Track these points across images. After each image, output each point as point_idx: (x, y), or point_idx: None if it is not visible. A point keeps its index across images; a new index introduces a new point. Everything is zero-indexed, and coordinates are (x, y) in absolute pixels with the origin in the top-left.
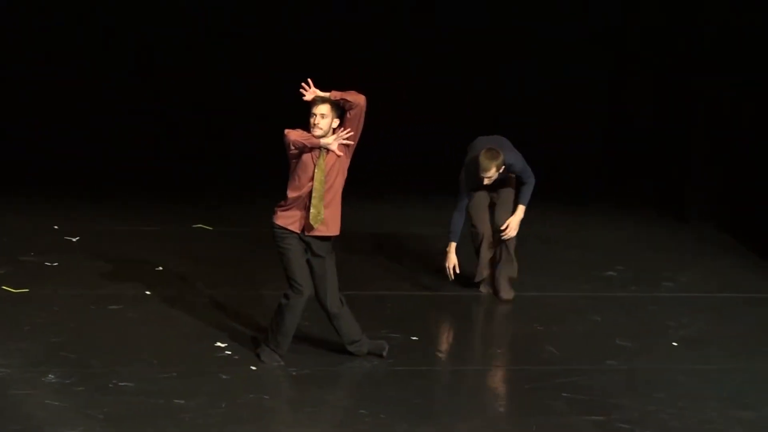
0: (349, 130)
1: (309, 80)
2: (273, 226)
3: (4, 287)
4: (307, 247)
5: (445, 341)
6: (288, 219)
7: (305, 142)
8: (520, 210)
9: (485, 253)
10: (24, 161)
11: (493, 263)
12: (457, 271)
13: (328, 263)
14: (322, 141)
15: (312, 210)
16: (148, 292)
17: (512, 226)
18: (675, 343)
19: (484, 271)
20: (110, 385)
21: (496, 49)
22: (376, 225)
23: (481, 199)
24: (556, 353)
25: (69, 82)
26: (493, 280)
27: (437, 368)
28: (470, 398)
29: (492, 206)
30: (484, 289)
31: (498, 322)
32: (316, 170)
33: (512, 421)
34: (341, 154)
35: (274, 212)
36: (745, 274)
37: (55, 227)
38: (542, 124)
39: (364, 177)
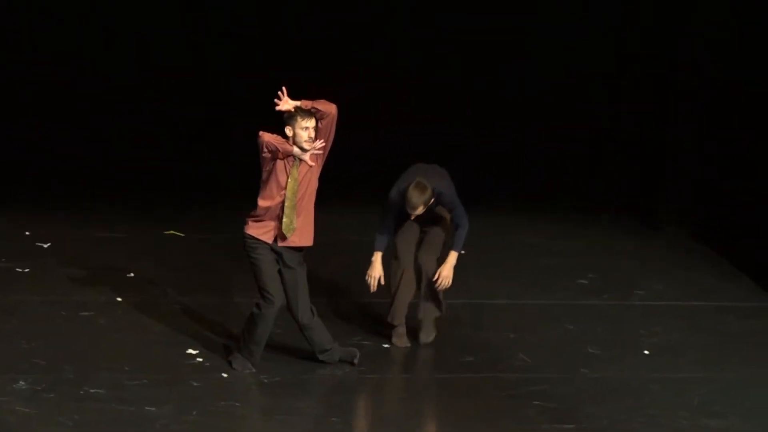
0: (321, 140)
1: (284, 88)
2: (244, 236)
3: None
4: (279, 257)
5: (417, 348)
6: (260, 229)
7: (279, 147)
8: (452, 257)
9: (404, 292)
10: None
11: (412, 301)
12: (382, 282)
13: (299, 274)
14: (295, 150)
15: (285, 219)
16: (119, 299)
17: (444, 275)
18: (647, 352)
19: (400, 314)
20: (81, 392)
21: (496, 49)
22: (359, 231)
23: (411, 231)
24: (528, 361)
25: (69, 82)
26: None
27: (409, 376)
28: (442, 406)
29: (420, 243)
30: (397, 340)
31: (470, 329)
32: (289, 180)
33: (483, 429)
34: (313, 164)
35: (245, 222)
36: (718, 283)
37: (27, 233)
38: (542, 124)
39: (355, 181)
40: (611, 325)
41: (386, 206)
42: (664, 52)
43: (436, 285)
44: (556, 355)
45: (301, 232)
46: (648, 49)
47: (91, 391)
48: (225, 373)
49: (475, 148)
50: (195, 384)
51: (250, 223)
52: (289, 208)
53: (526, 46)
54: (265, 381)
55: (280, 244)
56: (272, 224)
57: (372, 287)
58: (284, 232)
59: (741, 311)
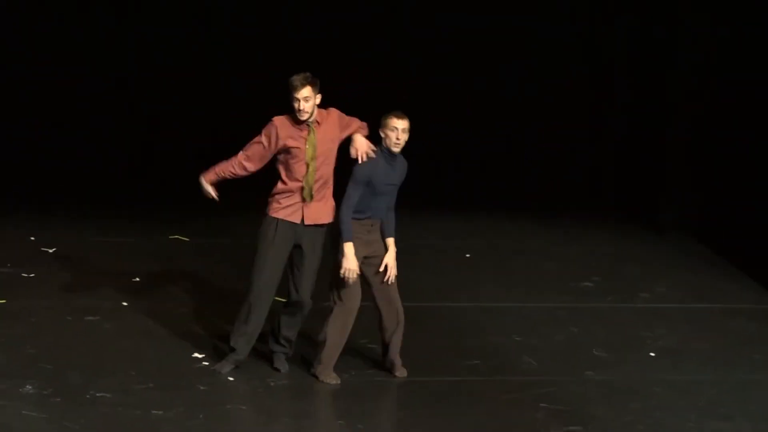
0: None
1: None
2: (265, 217)
3: None
4: (300, 239)
5: (424, 352)
6: (286, 210)
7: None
8: (393, 243)
9: (341, 336)
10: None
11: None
12: (358, 272)
13: (315, 256)
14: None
15: (305, 185)
16: (124, 303)
17: (392, 264)
18: (652, 354)
19: (331, 357)
20: (87, 396)
21: (496, 49)
22: None
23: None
24: (533, 364)
25: (69, 82)
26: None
27: (415, 379)
28: (448, 409)
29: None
30: (327, 377)
31: (475, 333)
32: (307, 146)
33: None
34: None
35: (268, 203)
36: (722, 285)
37: (32, 238)
38: (542, 124)
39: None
40: (616, 328)
41: (354, 179)
42: (662, 54)
43: (385, 277)
44: (561, 358)
45: (323, 204)
46: (644, 50)
47: (98, 395)
48: (231, 376)
49: (475, 148)
50: (201, 387)
51: (274, 205)
52: (309, 174)
53: (526, 46)
54: (272, 384)
55: (306, 222)
56: (299, 203)
57: (351, 280)
58: (304, 196)
59: (745, 313)
